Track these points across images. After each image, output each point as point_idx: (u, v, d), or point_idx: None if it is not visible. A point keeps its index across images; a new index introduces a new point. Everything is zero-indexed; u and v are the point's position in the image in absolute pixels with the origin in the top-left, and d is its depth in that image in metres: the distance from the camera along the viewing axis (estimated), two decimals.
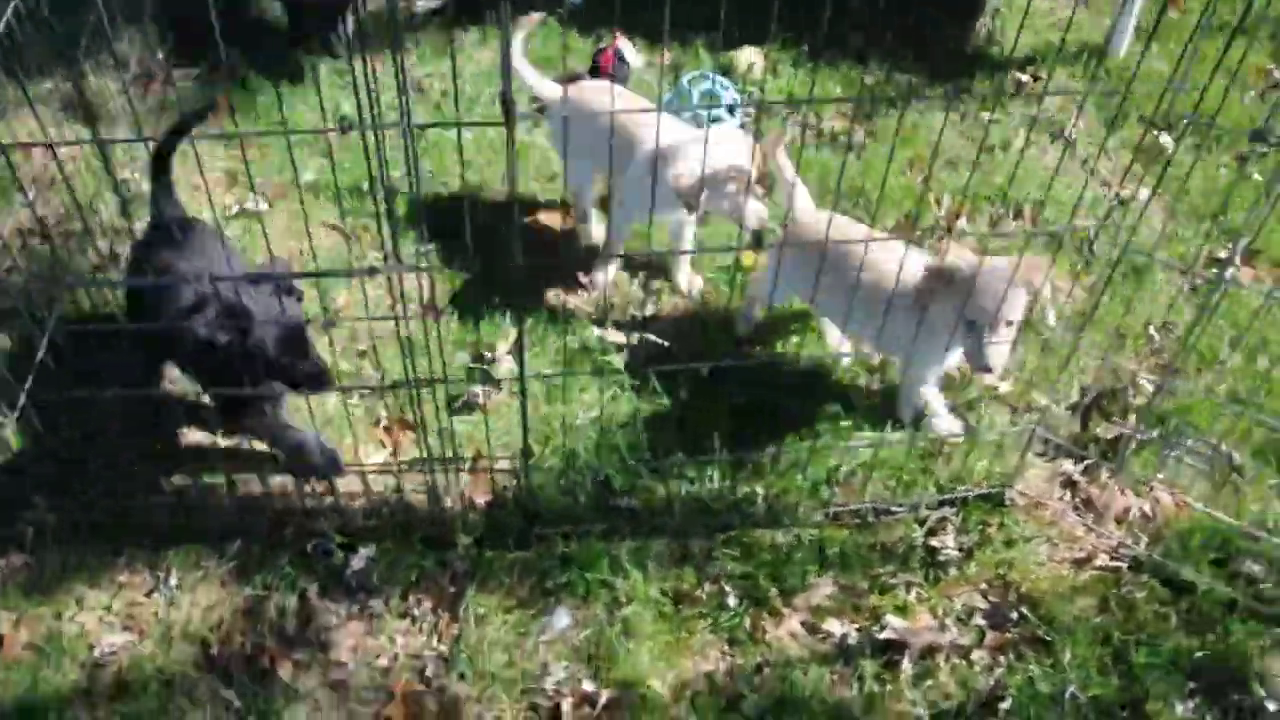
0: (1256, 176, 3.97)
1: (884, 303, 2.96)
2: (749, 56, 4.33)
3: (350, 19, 4.39)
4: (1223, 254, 3.87)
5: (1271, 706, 2.83)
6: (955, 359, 3.17)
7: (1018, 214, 3.91)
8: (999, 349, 2.91)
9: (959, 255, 2.93)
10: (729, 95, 3.93)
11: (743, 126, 3.98)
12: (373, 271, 2.29)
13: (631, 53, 4.20)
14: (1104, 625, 2.96)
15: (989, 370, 2.93)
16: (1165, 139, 4.15)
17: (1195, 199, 4.04)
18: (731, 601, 2.94)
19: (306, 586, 2.97)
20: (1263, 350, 3.53)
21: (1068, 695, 2.80)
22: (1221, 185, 3.99)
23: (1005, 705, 2.80)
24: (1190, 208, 4.04)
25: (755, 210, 3.19)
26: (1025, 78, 4.36)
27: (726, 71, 4.28)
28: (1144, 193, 4.02)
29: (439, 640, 2.89)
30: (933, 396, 3.29)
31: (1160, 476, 3.25)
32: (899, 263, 2.88)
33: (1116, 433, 3.34)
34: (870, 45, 4.42)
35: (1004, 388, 3.46)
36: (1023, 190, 3.98)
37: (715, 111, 3.91)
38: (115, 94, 4.14)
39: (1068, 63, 4.47)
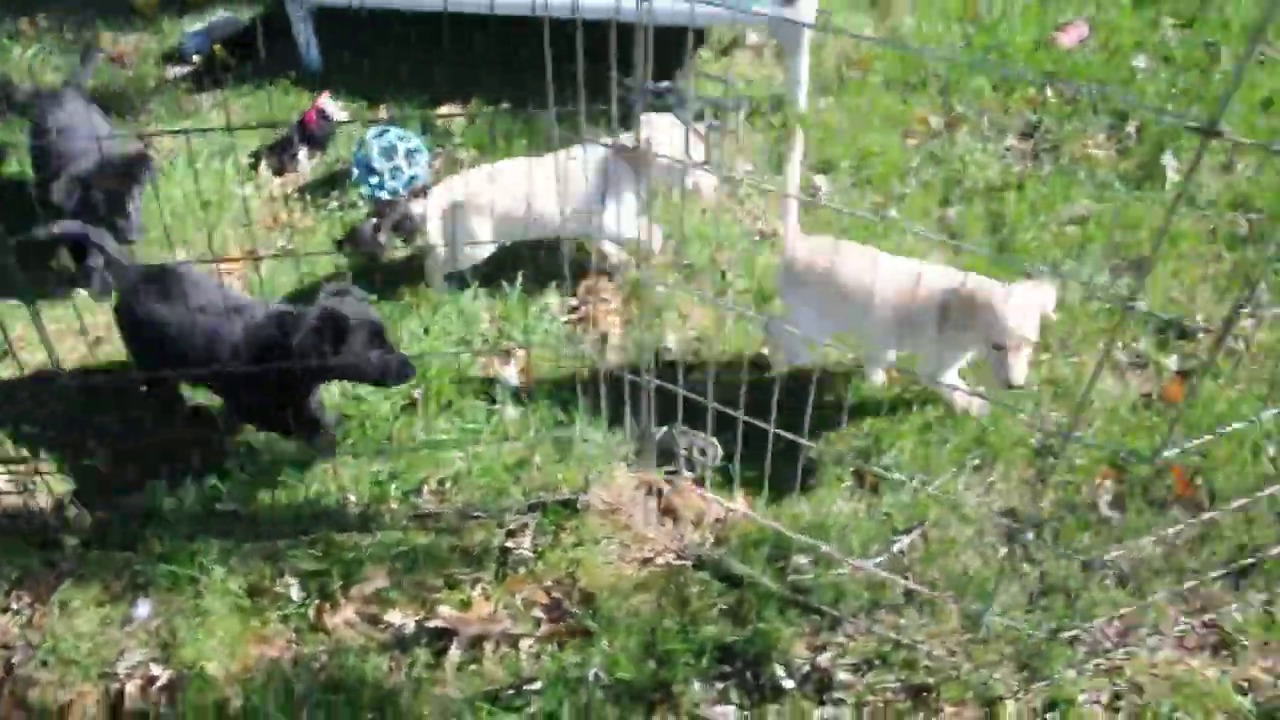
0: (894, 213, 4.35)
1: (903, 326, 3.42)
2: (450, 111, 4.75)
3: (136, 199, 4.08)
4: None
5: (788, 685, 3.12)
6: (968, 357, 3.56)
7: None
8: (1020, 365, 3.25)
9: (979, 284, 3.29)
10: (406, 145, 4.33)
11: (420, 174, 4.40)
12: None
13: (334, 109, 4.60)
14: (654, 616, 3.25)
15: (1015, 385, 3.26)
16: (820, 181, 4.54)
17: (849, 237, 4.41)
18: (296, 594, 3.24)
19: None
20: None
21: (591, 677, 3.09)
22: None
23: (535, 686, 3.08)
24: None
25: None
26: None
27: (427, 127, 4.69)
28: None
29: (32, 632, 3.19)
30: (950, 382, 3.61)
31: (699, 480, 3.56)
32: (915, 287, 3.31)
33: (696, 442, 3.66)
34: (566, 104, 4.82)
35: None
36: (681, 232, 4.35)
37: (395, 161, 4.30)
38: None
39: (757, 116, 4.88)
